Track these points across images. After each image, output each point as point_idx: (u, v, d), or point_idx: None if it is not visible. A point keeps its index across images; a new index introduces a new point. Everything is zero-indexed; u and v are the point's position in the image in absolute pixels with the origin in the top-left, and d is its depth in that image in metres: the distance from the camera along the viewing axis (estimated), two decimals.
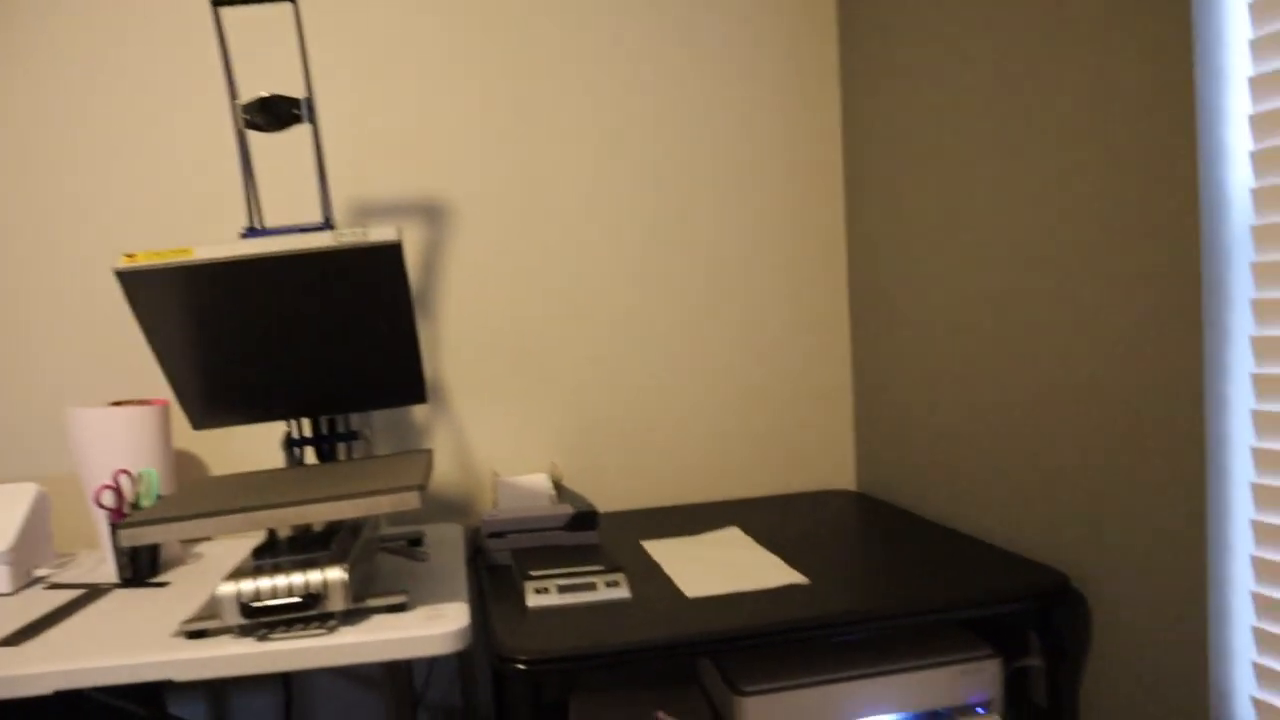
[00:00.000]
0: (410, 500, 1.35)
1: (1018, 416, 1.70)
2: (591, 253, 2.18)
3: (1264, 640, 1.29)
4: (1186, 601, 1.34)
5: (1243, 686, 1.32)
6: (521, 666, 1.35)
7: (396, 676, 1.58)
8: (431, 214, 2.12)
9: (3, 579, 1.70)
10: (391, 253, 1.51)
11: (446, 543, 1.87)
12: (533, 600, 1.53)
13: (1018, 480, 1.71)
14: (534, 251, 2.16)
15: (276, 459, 2.09)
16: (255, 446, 2.09)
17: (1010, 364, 1.71)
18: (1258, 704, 1.30)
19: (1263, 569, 1.28)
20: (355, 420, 1.81)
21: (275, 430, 2.09)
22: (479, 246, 2.14)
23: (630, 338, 2.21)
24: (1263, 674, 1.29)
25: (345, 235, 1.50)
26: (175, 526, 1.31)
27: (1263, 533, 1.27)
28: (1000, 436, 1.76)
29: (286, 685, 2.10)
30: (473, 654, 2.16)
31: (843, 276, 2.31)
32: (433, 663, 2.12)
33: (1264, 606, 1.28)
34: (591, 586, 1.56)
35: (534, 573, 1.57)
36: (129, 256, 1.50)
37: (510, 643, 1.38)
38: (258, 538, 2.04)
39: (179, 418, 2.05)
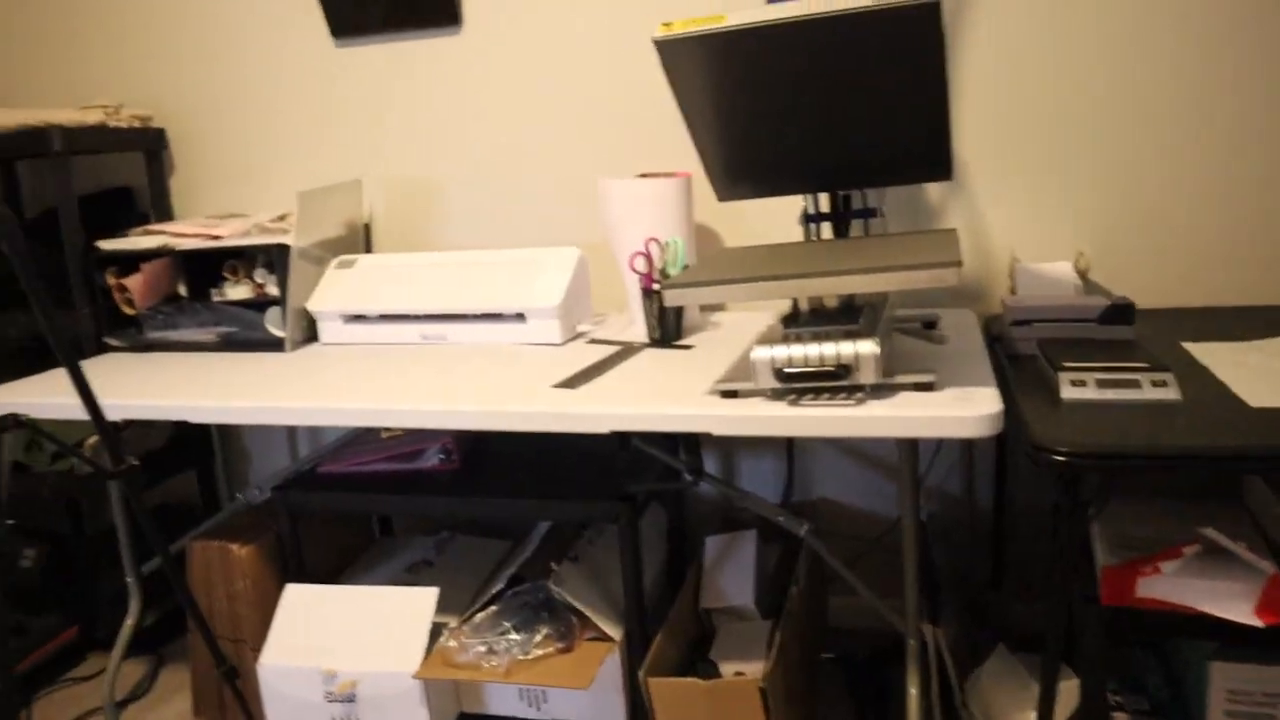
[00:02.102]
0: (948, 277, 1.29)
1: None
2: (1145, 23, 1.89)
3: None
4: None
5: None
6: (1060, 459, 1.27)
7: (912, 455, 1.57)
8: None
9: (555, 331, 1.90)
10: (929, 13, 1.40)
11: (961, 328, 1.80)
12: (1068, 393, 1.43)
13: None
14: (1080, 11, 1.91)
15: (787, 236, 2.11)
16: (767, 223, 2.12)
17: None
18: None
19: None
20: (872, 197, 1.76)
21: (786, 208, 2.10)
22: (1012, 8, 1.93)
23: (1178, 116, 1.92)
24: None
25: None
26: (718, 289, 1.36)
27: None
28: None
29: (790, 453, 2.20)
30: (973, 444, 2.11)
31: None
32: (939, 448, 2.10)
33: None
34: (1135, 384, 1.42)
35: (1068, 364, 1.46)
36: (666, 26, 1.52)
37: (1046, 434, 1.30)
38: (769, 311, 2.10)
39: (699, 191, 2.12)
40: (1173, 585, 1.36)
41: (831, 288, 1.34)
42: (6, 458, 1.45)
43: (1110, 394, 1.42)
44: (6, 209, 1.23)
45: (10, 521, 1.22)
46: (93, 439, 2.29)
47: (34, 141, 2.18)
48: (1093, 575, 1.45)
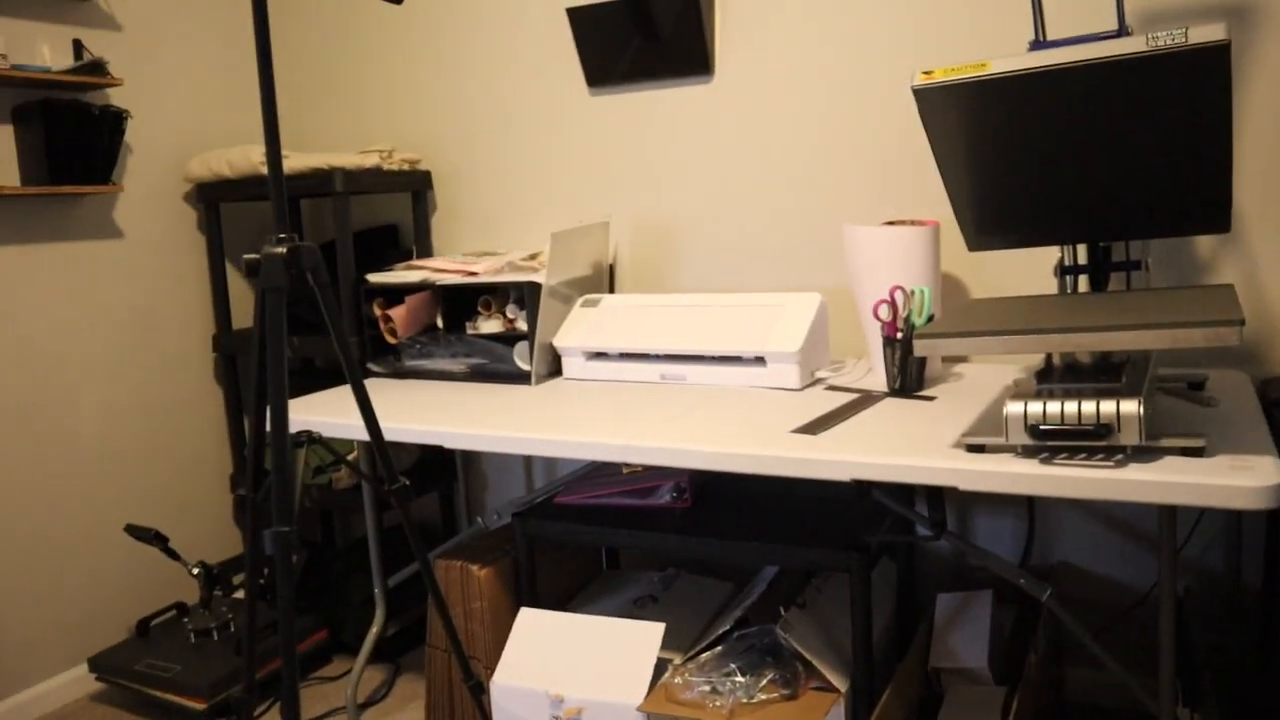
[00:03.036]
0: (1229, 336, 1.21)
1: None
2: None
3: None
4: None
5: None
6: None
7: (1172, 524, 1.48)
8: (1235, 12, 1.83)
9: (793, 376, 1.91)
10: (1216, 56, 1.33)
11: (1233, 390, 1.68)
12: None
13: None
14: None
15: (1036, 288, 2.04)
16: (1015, 274, 2.06)
17: None
18: None
19: None
20: (1135, 249, 1.68)
21: (1037, 259, 2.03)
22: None
23: None
24: None
25: (1161, 38, 1.35)
26: (975, 341, 1.33)
27: None
28: None
29: (1030, 513, 2.10)
30: (1241, 516, 1.96)
31: None
32: (1200, 518, 1.96)
33: None
34: None
35: None
36: (926, 74, 1.51)
37: None
38: (1014, 365, 2.03)
39: (946, 240, 2.08)
40: None
41: (1099, 343, 1.28)
42: (301, 470, 1.59)
43: None
44: (314, 246, 1.36)
45: (290, 528, 1.34)
46: (352, 454, 2.47)
47: (320, 182, 2.40)
48: None
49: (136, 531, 2.44)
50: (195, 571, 2.51)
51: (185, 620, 2.52)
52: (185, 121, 2.73)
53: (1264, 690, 1.96)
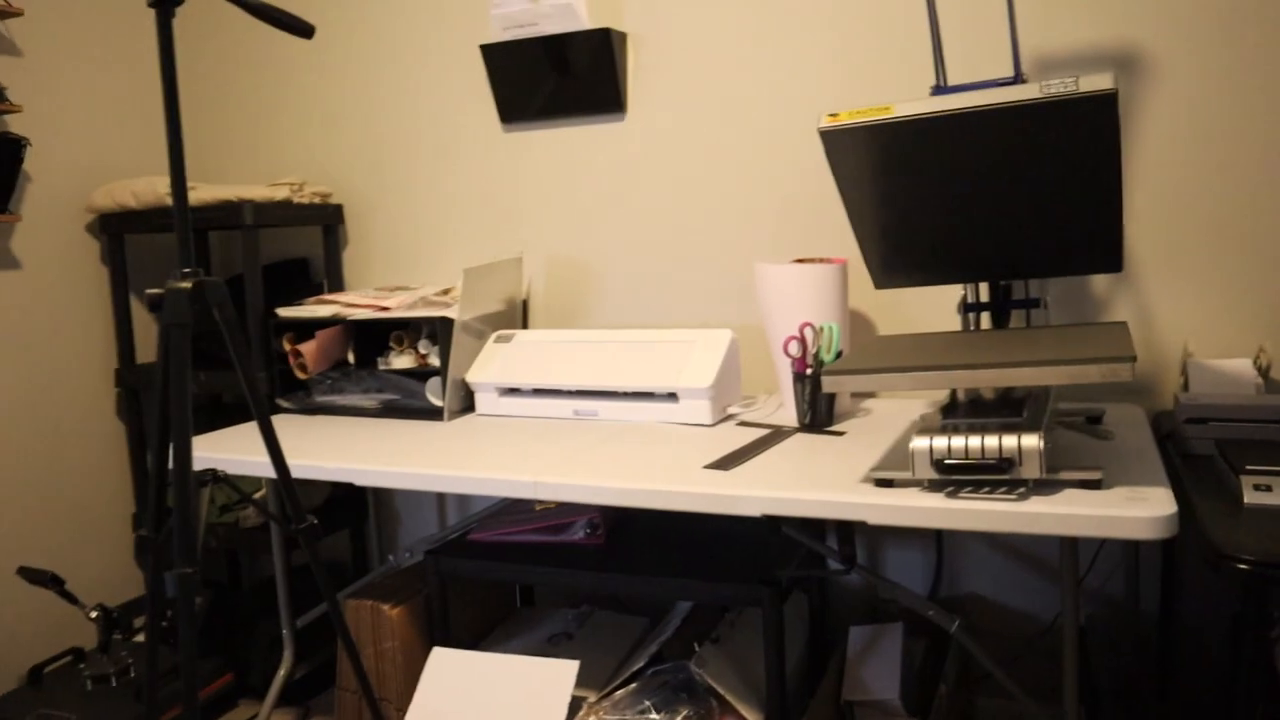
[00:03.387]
0: (1122, 372, 1.26)
1: None
2: None
3: None
4: None
5: None
6: (1243, 567, 1.21)
7: (1073, 555, 1.52)
8: (1125, 64, 1.92)
9: (705, 412, 1.92)
10: (1105, 104, 1.39)
11: (1128, 424, 1.74)
12: (1251, 497, 1.36)
13: None
14: (1262, 101, 1.85)
15: (942, 324, 2.09)
16: (922, 310, 2.11)
17: None
18: None
19: None
20: (1034, 287, 1.74)
21: (942, 295, 2.08)
22: (1184, 101, 1.89)
23: None
24: None
25: (1053, 86, 1.40)
26: (879, 378, 1.36)
27: None
28: None
29: (939, 546, 2.14)
30: (1139, 546, 2.02)
31: None
32: (1100, 548, 2.02)
33: None
34: None
35: (1252, 467, 1.40)
36: (832, 116, 1.55)
37: (1228, 540, 1.24)
38: (921, 400, 2.08)
39: (854, 277, 2.13)
40: None
41: (1000, 380, 1.32)
42: (205, 509, 1.54)
43: None
44: (220, 281, 1.33)
45: (193, 570, 1.30)
46: (260, 492, 2.41)
47: (228, 214, 2.35)
48: (1277, 696, 1.36)
49: (31, 574, 2.34)
50: (93, 615, 2.42)
51: (82, 666, 2.42)
52: (90, 151, 2.65)
53: (1164, 716, 2.02)
